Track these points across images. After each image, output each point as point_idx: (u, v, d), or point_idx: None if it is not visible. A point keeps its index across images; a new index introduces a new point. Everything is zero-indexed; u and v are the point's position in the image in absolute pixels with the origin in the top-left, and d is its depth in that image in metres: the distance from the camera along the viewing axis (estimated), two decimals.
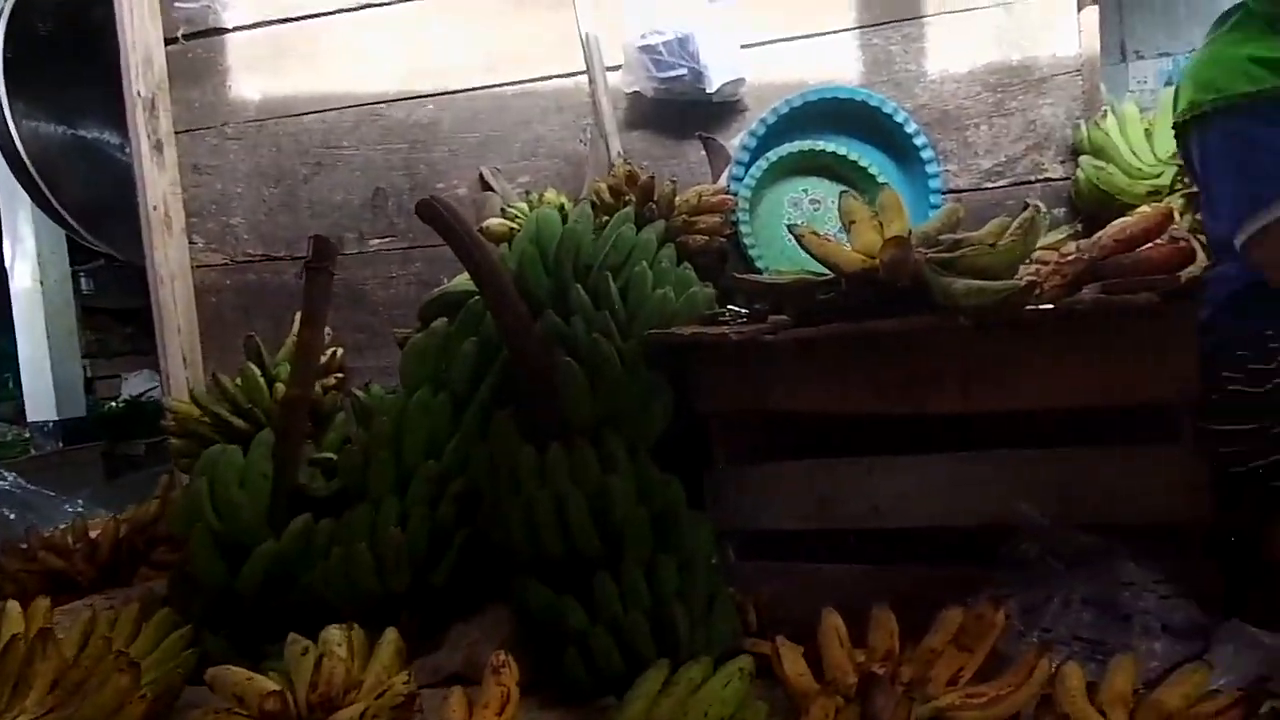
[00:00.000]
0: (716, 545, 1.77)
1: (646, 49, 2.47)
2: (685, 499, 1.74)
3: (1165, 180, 2.13)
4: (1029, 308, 1.56)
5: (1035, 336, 1.60)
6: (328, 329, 2.67)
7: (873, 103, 2.36)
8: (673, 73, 2.46)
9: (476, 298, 2.06)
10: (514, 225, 2.33)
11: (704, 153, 2.52)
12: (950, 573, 1.64)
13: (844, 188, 2.36)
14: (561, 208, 2.33)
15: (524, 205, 2.45)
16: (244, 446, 2.07)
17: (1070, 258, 1.82)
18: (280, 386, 2.38)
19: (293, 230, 2.93)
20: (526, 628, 1.71)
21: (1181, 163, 2.14)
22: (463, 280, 2.21)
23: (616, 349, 1.85)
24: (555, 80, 2.70)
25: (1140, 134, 2.22)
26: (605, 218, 2.21)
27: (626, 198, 2.21)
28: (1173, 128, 1.65)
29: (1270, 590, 1.48)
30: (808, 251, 1.78)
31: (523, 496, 1.70)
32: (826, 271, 1.79)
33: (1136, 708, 1.26)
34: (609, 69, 2.58)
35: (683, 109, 2.56)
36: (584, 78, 2.62)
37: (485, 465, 1.84)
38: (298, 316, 2.16)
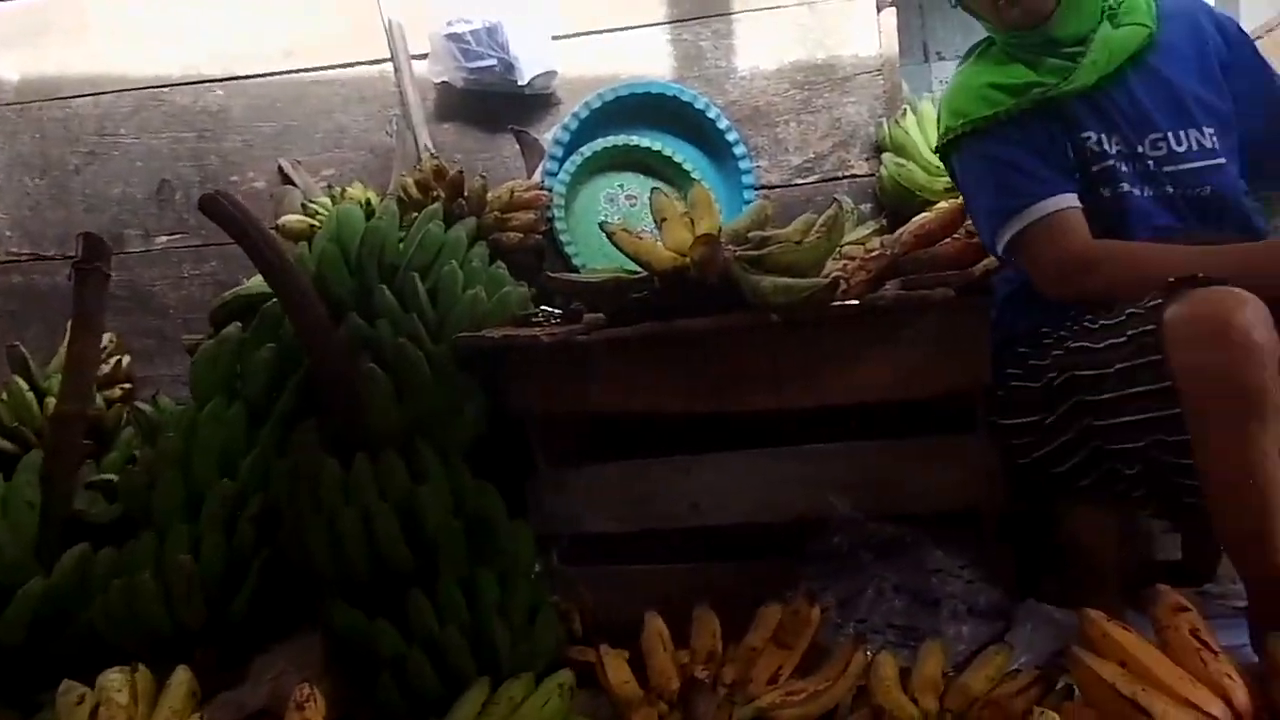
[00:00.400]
0: (539, 552, 1.72)
1: (454, 38, 2.37)
2: (504, 506, 1.68)
3: None
4: (834, 304, 1.59)
5: (841, 332, 1.64)
6: (111, 335, 2.46)
7: (685, 98, 2.36)
8: (482, 63, 2.38)
9: (273, 300, 1.92)
10: (314, 222, 2.19)
11: (517, 147, 2.45)
12: (769, 568, 1.65)
13: (660, 183, 2.36)
14: (366, 203, 2.21)
15: (326, 200, 2.31)
16: (8, 471, 1.85)
17: (875, 254, 1.87)
18: (52, 401, 2.15)
19: (64, 226, 2.65)
20: (337, 654, 1.60)
21: None
22: (259, 281, 2.06)
23: (425, 353, 1.77)
24: (358, 68, 2.55)
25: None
26: (413, 214, 2.11)
27: (435, 193, 2.12)
28: (935, 151, 1.74)
29: (1061, 570, 1.58)
30: (620, 249, 1.75)
31: (326, 513, 1.60)
32: (641, 269, 1.77)
33: (946, 692, 1.30)
34: (415, 57, 2.46)
35: (494, 101, 2.47)
36: (389, 65, 2.50)
37: (286, 481, 1.72)
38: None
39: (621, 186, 2.36)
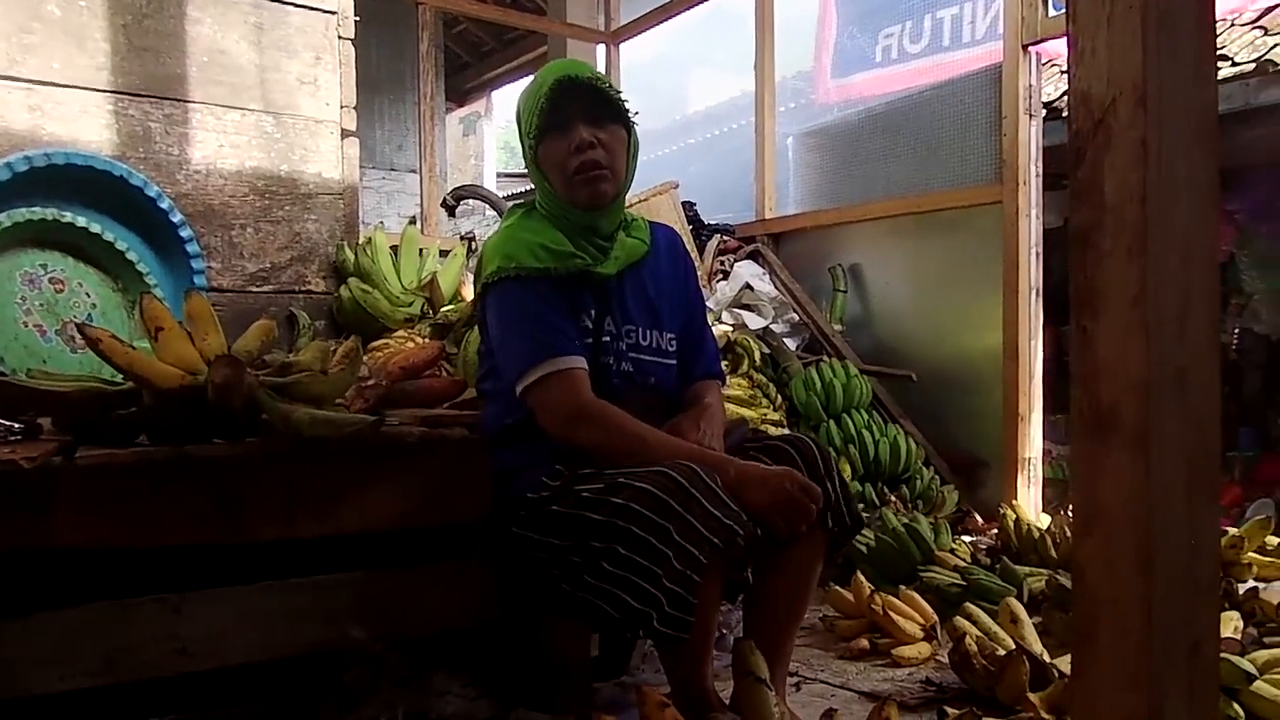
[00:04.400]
0: None
1: None
2: None
3: (416, 310, 2.40)
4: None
5: (358, 463, 1.66)
6: None
7: (135, 182, 2.12)
8: None
9: None
10: None
11: None
12: (279, 710, 1.56)
13: (92, 269, 2.07)
14: None
15: None
16: None
17: (370, 383, 1.95)
18: None
19: None
20: None
21: (428, 295, 2.45)
22: None
23: None
24: None
25: (390, 263, 2.46)
26: None
27: None
28: (480, 289, 1.86)
29: (547, 677, 1.79)
30: (107, 360, 1.54)
31: None
32: (118, 378, 1.57)
33: None
34: None
35: None
36: None
37: None
38: None
39: (45, 267, 1.99)
